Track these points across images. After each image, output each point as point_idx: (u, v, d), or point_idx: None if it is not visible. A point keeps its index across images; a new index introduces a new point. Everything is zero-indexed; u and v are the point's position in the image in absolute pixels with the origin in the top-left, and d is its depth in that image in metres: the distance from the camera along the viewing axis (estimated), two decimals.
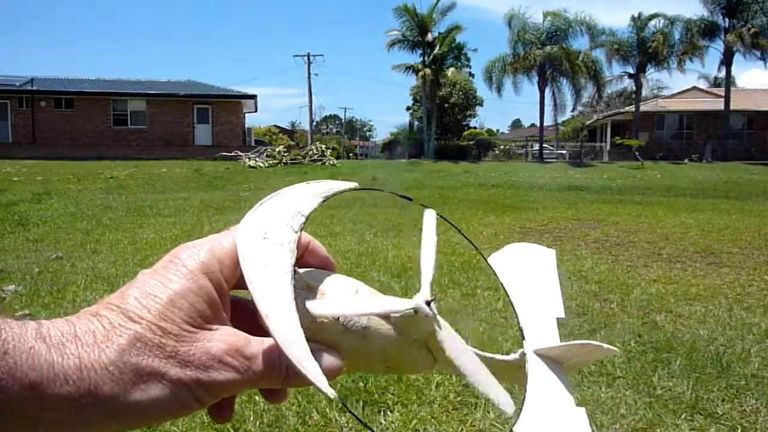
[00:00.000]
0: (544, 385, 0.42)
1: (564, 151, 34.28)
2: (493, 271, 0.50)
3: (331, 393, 0.31)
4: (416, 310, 0.36)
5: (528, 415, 0.40)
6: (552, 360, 0.44)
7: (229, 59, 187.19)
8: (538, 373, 0.43)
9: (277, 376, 0.34)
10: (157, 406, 0.31)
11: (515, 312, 0.47)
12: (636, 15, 30.61)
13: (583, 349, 0.44)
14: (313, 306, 0.35)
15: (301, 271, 0.39)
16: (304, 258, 0.40)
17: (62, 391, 0.29)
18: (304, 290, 0.37)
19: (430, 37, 31.62)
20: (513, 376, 0.44)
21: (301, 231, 0.37)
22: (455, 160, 28.20)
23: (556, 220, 7.50)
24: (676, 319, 3.30)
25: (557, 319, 0.47)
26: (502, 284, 0.49)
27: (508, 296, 0.48)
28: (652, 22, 30.37)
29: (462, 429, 2.03)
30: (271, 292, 0.33)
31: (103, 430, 0.31)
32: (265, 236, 0.35)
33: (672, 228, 6.72)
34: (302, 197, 0.39)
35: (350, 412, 0.35)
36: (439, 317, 0.37)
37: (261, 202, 0.38)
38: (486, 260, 0.50)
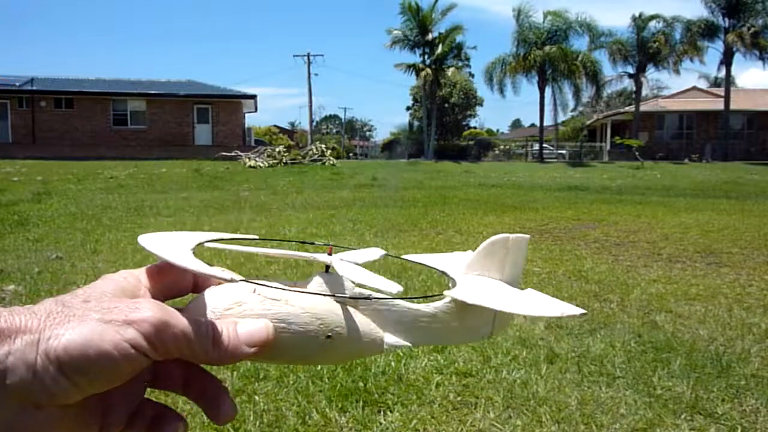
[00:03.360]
0: (481, 280, 0.44)
1: (564, 151, 34.27)
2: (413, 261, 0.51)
3: (230, 274, 0.37)
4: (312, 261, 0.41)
5: (463, 284, 0.42)
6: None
7: (229, 59, 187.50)
8: (474, 278, 0.45)
9: (204, 331, 0.34)
10: (85, 343, 0.30)
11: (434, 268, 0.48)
12: (637, 15, 30.65)
13: (493, 247, 0.44)
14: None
15: None
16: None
17: None
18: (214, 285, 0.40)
19: (431, 36, 31.61)
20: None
21: (192, 252, 0.40)
22: (455, 160, 28.20)
23: (556, 220, 7.50)
24: (676, 319, 3.30)
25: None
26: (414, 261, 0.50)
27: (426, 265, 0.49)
28: (652, 23, 30.39)
29: (462, 429, 2.03)
30: (174, 247, 0.39)
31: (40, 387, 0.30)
32: (165, 243, 0.41)
33: (672, 228, 6.72)
34: (190, 235, 0.44)
35: None
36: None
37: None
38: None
